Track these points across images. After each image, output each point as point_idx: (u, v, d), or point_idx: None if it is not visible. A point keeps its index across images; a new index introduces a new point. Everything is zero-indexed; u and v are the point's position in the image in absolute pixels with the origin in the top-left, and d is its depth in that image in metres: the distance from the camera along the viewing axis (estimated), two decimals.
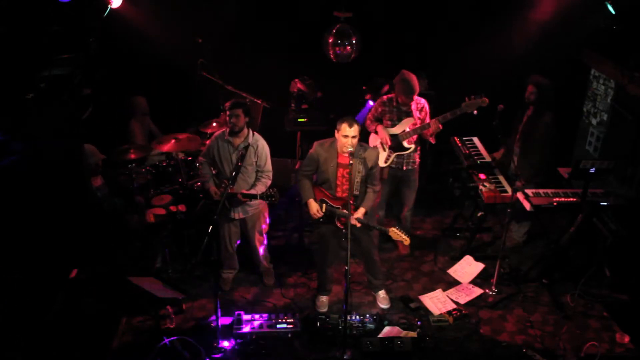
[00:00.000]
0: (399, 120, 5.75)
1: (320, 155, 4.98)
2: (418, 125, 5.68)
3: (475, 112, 5.48)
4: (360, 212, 4.94)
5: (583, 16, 6.21)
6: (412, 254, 6.26)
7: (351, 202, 4.76)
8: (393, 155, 5.82)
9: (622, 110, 6.32)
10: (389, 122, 5.78)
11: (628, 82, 5.85)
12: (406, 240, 4.96)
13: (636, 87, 5.77)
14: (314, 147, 5.04)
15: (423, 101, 5.79)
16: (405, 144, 5.75)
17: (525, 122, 5.86)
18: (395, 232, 4.96)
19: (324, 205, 4.99)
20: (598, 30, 6.16)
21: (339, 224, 4.99)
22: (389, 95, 5.82)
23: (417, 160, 5.94)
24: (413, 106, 5.71)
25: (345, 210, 4.89)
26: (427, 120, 5.70)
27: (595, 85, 6.94)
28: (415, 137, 5.75)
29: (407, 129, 5.70)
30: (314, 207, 5.02)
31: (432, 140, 5.78)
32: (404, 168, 5.85)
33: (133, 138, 6.58)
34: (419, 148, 5.91)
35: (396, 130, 5.75)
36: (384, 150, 5.80)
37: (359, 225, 4.95)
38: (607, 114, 6.67)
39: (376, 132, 5.83)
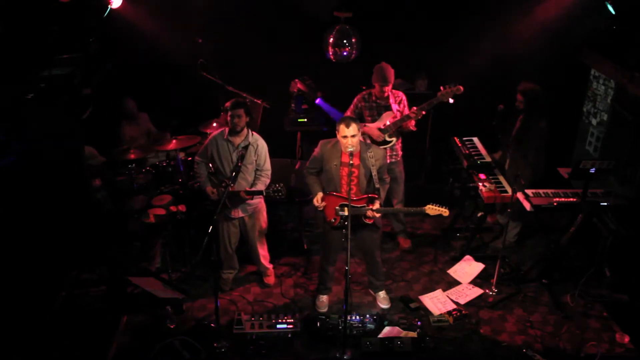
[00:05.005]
0: (379, 114, 5.81)
1: (324, 155, 4.99)
2: (398, 117, 5.71)
3: (451, 100, 5.53)
4: (376, 204, 4.92)
5: (583, 16, 6.21)
6: (414, 250, 6.27)
7: (368, 196, 4.87)
8: None
9: (622, 110, 6.31)
10: (369, 118, 5.84)
11: (628, 82, 5.84)
12: (445, 212, 4.87)
13: (636, 87, 5.76)
14: (319, 146, 5.05)
15: (401, 94, 5.87)
16: (386, 137, 5.78)
17: (517, 128, 5.85)
18: (432, 208, 4.88)
19: (346, 208, 4.85)
20: (598, 30, 6.15)
21: (367, 220, 4.97)
22: (367, 91, 5.87)
23: (400, 152, 5.98)
24: (391, 99, 5.78)
25: (367, 205, 4.90)
26: (406, 112, 5.76)
27: (595, 85, 6.93)
28: (394, 129, 5.78)
29: (388, 122, 5.74)
30: (318, 198, 5.01)
31: (414, 128, 5.81)
32: (388, 161, 5.86)
33: (122, 141, 6.54)
34: (400, 140, 5.94)
35: (377, 125, 5.79)
36: None
37: (378, 215, 4.95)
38: (607, 114, 6.67)
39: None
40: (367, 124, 5.82)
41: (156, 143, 6.28)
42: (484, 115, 5.75)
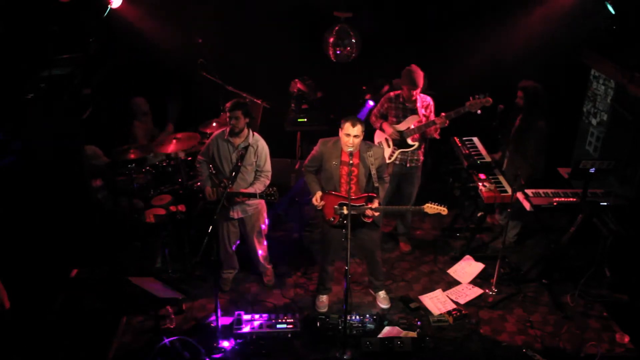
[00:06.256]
0: (404, 117, 5.77)
1: (324, 153, 4.98)
2: (423, 122, 5.70)
3: (479, 111, 5.51)
4: (375, 203, 4.92)
5: (583, 16, 6.21)
6: (413, 251, 6.27)
7: (367, 195, 4.86)
8: (397, 152, 5.84)
9: (622, 110, 6.32)
10: (394, 119, 5.81)
11: (628, 82, 5.85)
12: (444, 210, 4.88)
13: (636, 87, 5.77)
14: (318, 145, 5.04)
15: (429, 99, 5.82)
16: (409, 141, 5.77)
17: (517, 127, 5.85)
18: (431, 207, 4.88)
19: (345, 207, 4.87)
20: (598, 30, 6.16)
21: (366, 219, 4.96)
22: (396, 92, 5.84)
23: (421, 158, 5.95)
24: (418, 103, 5.74)
25: (366, 204, 4.89)
26: (432, 118, 5.73)
27: (595, 85, 6.94)
28: (418, 134, 5.76)
29: (412, 126, 5.72)
30: (317, 197, 5.01)
31: (437, 136, 5.81)
32: (407, 165, 5.87)
33: (135, 140, 6.56)
34: (422, 146, 5.92)
35: (401, 127, 5.77)
36: (389, 146, 5.82)
37: (377, 214, 4.94)
38: (607, 114, 6.67)
39: (382, 129, 5.84)
40: (384, 123, 5.82)
41: (157, 145, 6.26)
42: (484, 115, 5.74)
